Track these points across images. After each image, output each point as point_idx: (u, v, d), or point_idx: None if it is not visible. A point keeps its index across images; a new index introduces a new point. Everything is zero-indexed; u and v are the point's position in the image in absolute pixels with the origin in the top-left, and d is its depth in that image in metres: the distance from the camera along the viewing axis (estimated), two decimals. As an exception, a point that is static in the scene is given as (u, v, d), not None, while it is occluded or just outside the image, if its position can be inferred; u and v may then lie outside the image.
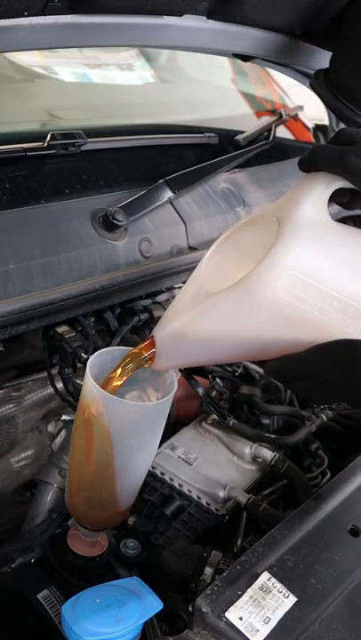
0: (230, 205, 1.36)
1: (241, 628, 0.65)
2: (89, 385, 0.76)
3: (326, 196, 0.67)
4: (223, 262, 0.75)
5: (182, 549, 0.92)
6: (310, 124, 1.84)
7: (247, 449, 1.09)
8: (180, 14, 1.06)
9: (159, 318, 1.20)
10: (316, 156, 0.65)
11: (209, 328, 0.68)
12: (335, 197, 0.69)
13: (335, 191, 0.67)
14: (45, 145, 1.08)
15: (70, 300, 1.00)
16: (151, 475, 1.02)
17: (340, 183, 0.66)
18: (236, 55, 1.42)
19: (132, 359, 0.75)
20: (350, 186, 0.65)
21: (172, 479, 1.02)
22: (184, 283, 1.29)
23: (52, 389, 1.11)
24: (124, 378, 0.75)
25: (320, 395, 0.67)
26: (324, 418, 1.16)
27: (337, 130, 1.69)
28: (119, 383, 0.75)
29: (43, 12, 0.87)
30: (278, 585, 0.70)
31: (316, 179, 0.67)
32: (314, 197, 0.67)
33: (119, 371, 0.75)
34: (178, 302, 0.74)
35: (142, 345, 0.75)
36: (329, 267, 0.65)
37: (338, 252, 0.66)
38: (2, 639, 0.89)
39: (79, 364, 1.04)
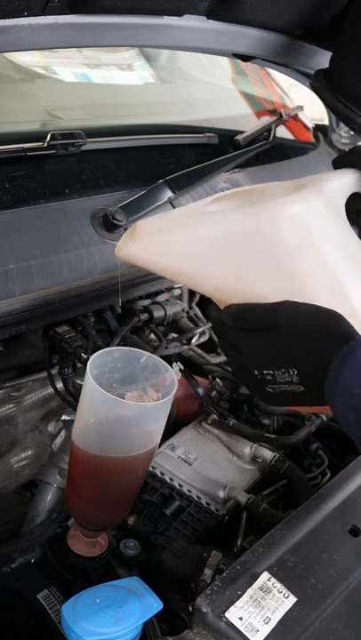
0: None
1: (241, 628, 0.65)
2: (89, 385, 0.76)
3: (350, 189, 0.69)
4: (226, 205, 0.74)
5: (182, 549, 0.92)
6: (310, 124, 1.83)
7: (247, 449, 1.09)
8: (180, 14, 1.06)
9: (159, 318, 1.21)
10: (355, 154, 0.70)
11: (202, 235, 0.66)
12: (352, 203, 0.70)
13: (353, 197, 0.69)
14: (45, 145, 1.08)
15: (70, 300, 1.00)
16: (151, 475, 1.02)
17: None
18: (236, 55, 1.41)
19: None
20: None
21: (172, 479, 1.02)
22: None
23: (52, 389, 1.11)
24: None
25: (267, 357, 0.65)
26: (324, 418, 1.16)
27: (337, 129, 1.69)
28: None
29: (43, 12, 0.87)
30: (278, 585, 0.70)
31: (348, 172, 0.70)
32: (341, 182, 0.69)
33: None
34: (170, 214, 0.73)
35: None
36: (335, 242, 0.65)
37: (343, 234, 0.67)
38: (2, 639, 0.89)
39: (79, 364, 1.04)
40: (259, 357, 0.66)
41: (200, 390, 1.12)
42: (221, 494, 1.01)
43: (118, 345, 1.11)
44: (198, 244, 0.67)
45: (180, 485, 1.01)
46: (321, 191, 0.67)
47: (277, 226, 0.63)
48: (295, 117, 1.76)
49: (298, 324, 0.63)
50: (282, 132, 1.67)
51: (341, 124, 1.73)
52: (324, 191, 0.67)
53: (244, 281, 0.66)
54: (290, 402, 0.69)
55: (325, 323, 0.63)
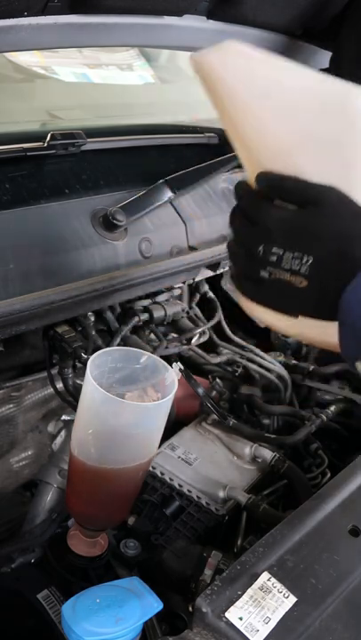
0: (230, 205, 1.35)
1: (241, 628, 0.65)
2: (89, 385, 0.76)
3: None
4: None
5: (182, 549, 0.92)
6: (310, 124, 1.83)
7: (247, 449, 1.09)
8: (180, 14, 1.06)
9: (159, 318, 1.21)
10: None
11: (289, 82, 0.63)
12: None
13: None
14: (45, 145, 1.08)
15: (70, 300, 1.00)
16: (151, 475, 1.02)
17: None
18: (236, 55, 1.41)
19: None
20: None
21: (171, 479, 1.02)
22: (184, 283, 1.30)
23: (52, 389, 1.11)
24: None
25: (286, 234, 0.61)
26: (324, 418, 1.16)
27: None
28: None
29: (43, 12, 0.87)
30: (278, 585, 0.70)
31: None
32: None
33: None
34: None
35: None
36: None
37: None
38: (2, 639, 0.89)
39: (79, 364, 1.04)
40: (277, 232, 0.62)
41: (200, 390, 1.12)
42: (221, 494, 1.01)
43: (118, 345, 1.11)
44: (281, 88, 0.63)
45: (180, 485, 1.01)
46: None
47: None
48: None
49: (342, 213, 0.61)
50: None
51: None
52: None
53: (299, 150, 0.63)
54: (277, 298, 0.63)
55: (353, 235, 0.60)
